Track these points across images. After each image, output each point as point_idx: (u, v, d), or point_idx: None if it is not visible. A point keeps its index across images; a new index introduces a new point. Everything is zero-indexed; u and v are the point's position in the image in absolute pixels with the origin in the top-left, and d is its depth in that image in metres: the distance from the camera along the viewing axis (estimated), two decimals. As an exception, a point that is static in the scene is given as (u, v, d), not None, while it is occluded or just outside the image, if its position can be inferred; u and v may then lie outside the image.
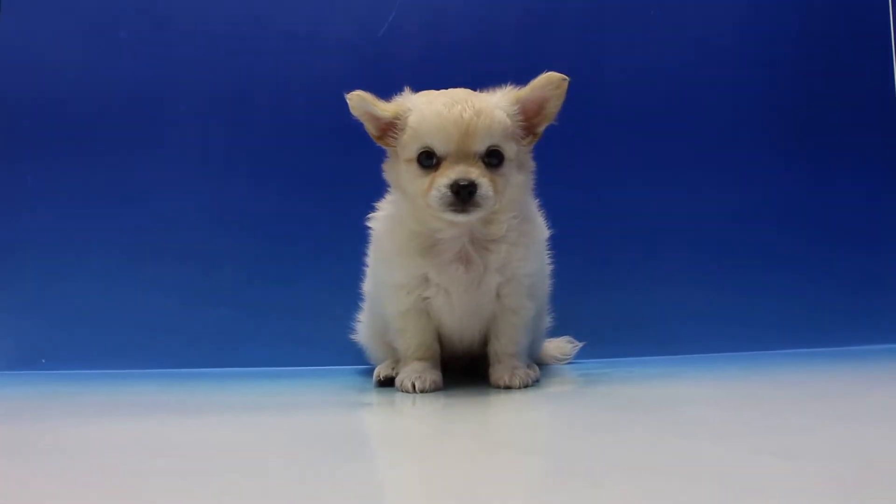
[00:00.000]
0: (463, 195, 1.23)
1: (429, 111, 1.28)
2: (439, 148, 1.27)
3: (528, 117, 1.35)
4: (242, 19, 2.05)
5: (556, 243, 1.54)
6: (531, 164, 1.40)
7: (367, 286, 1.63)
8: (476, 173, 1.25)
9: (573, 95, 2.00)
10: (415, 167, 1.30)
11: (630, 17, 2.06)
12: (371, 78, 1.97)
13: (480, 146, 1.27)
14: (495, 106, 1.29)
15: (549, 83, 1.33)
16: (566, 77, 1.33)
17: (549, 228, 1.50)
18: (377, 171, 1.42)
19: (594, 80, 2.04)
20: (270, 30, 2.05)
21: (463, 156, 1.26)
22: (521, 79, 1.99)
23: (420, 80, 1.95)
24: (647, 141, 2.04)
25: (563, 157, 1.92)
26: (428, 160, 1.29)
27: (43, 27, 2.04)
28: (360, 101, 1.34)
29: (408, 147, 1.31)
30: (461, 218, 1.27)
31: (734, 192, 2.04)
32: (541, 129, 1.37)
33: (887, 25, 2.08)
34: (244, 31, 2.04)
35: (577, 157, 2.00)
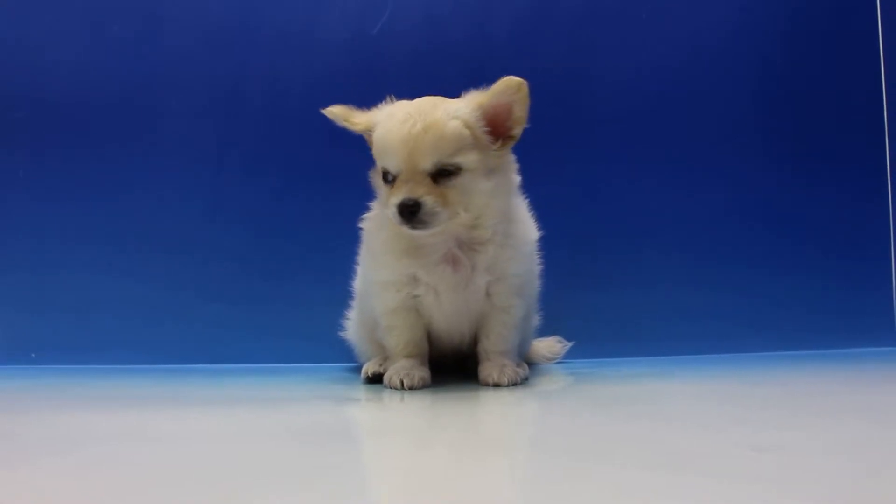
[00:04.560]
0: (406, 215, 1.26)
1: (384, 128, 1.30)
2: (391, 167, 1.31)
3: (495, 123, 1.32)
4: (236, 15, 2.05)
5: (546, 243, 1.55)
6: (509, 167, 1.40)
7: (358, 284, 1.64)
8: (422, 191, 1.26)
9: (565, 95, 2.05)
10: (381, 181, 1.35)
11: (621, 18, 2.07)
12: (365, 76, 2.00)
13: (426, 163, 1.27)
14: (451, 116, 1.28)
15: (507, 88, 1.30)
16: (524, 81, 1.30)
17: (539, 230, 1.51)
18: (368, 169, 1.43)
19: (585, 80, 2.05)
20: (264, 25, 2.05)
21: (412, 173, 1.28)
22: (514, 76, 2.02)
23: (414, 78, 1.98)
24: (637, 142, 2.05)
25: (552, 158, 1.93)
26: (387, 176, 1.32)
27: (36, 21, 2.04)
28: (334, 118, 1.39)
29: (377, 161, 1.35)
30: (417, 233, 1.30)
31: (722, 194, 2.05)
32: (515, 132, 1.34)
33: (875, 30, 2.10)
34: (238, 26, 2.05)
35: (566, 158, 2.01)
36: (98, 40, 2.04)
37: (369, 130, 1.36)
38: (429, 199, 1.26)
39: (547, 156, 1.89)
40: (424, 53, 2.02)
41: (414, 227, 1.28)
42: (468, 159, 1.29)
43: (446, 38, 2.04)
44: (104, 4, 2.05)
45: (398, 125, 1.27)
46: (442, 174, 1.28)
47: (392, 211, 1.27)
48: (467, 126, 1.29)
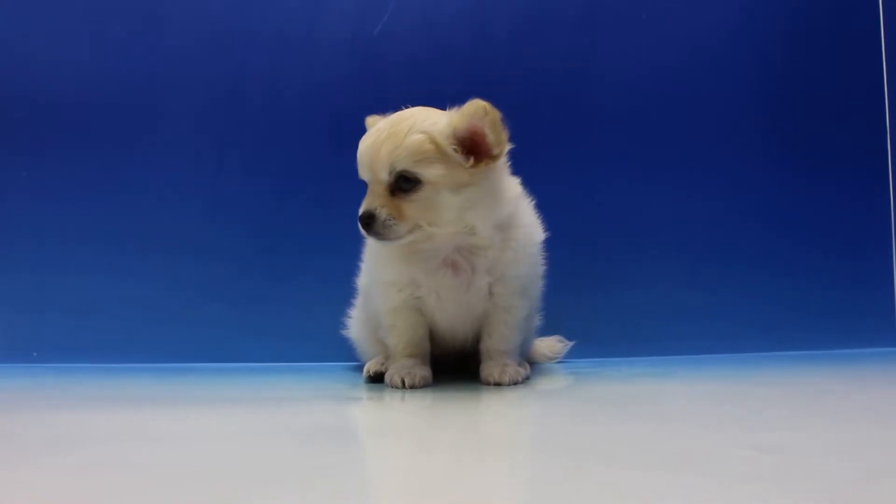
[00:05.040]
0: (363, 226, 1.29)
1: (363, 139, 1.34)
2: (362, 177, 1.33)
3: (472, 143, 1.29)
4: (236, 16, 2.05)
5: (547, 243, 1.54)
6: (495, 182, 1.35)
7: (362, 281, 1.63)
8: (378, 203, 1.28)
9: (565, 97, 2.05)
10: None
11: (622, 20, 2.07)
12: (365, 77, 2.00)
13: (384, 174, 1.28)
14: (417, 130, 1.27)
15: (475, 112, 1.27)
16: (489, 105, 1.27)
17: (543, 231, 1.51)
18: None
19: (585, 81, 2.05)
20: (264, 26, 2.05)
21: (374, 184, 1.30)
22: (513, 79, 2.02)
23: (414, 79, 1.99)
24: (637, 142, 2.05)
25: (552, 159, 1.94)
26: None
27: (37, 22, 2.04)
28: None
29: None
30: (383, 244, 1.33)
31: (723, 195, 2.06)
32: (495, 153, 1.30)
33: (877, 29, 2.10)
34: (238, 27, 2.05)
35: (568, 160, 2.02)
36: (99, 41, 2.04)
37: None
38: (383, 212, 1.28)
39: (547, 156, 1.90)
40: (424, 55, 2.02)
41: (376, 239, 1.30)
42: (429, 173, 1.27)
43: (446, 39, 2.04)
44: (105, 5, 2.06)
45: (369, 136, 1.32)
46: (401, 187, 1.29)
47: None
48: (432, 141, 1.27)
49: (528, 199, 1.48)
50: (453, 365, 1.56)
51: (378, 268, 1.45)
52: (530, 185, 1.47)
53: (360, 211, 1.29)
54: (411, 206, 1.29)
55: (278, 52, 2.05)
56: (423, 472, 0.76)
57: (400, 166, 1.27)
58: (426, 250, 1.36)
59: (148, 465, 0.79)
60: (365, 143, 1.31)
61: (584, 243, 2.01)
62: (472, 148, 1.30)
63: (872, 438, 0.89)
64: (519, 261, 1.41)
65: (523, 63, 2.04)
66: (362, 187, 1.45)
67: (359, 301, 1.69)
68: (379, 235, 1.29)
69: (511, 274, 1.40)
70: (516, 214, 1.42)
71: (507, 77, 2.02)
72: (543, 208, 1.54)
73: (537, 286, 1.56)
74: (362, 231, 1.31)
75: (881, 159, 2.10)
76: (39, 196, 2.01)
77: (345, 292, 1.73)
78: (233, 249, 2.01)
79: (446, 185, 1.29)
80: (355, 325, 1.71)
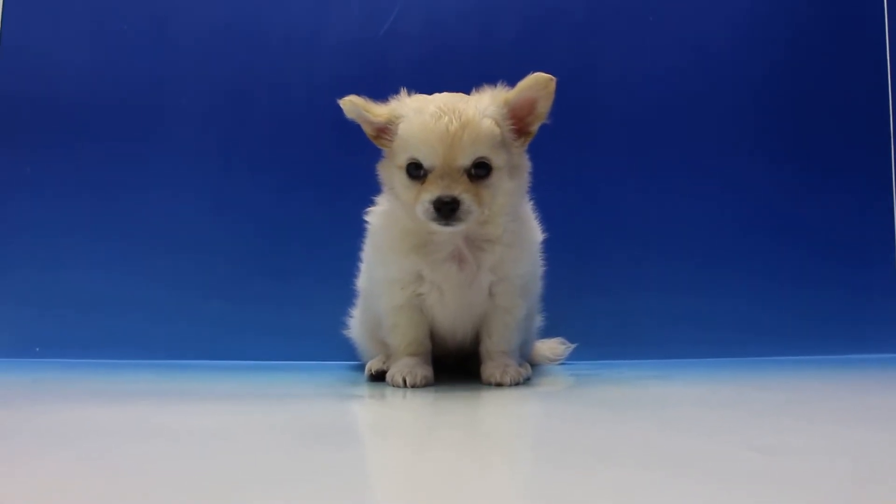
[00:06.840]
0: (444, 212, 1.25)
1: (417, 122, 1.28)
2: (425, 161, 1.28)
3: (518, 119, 1.34)
4: (243, 15, 2.06)
5: (550, 246, 1.55)
6: (526, 165, 1.39)
7: (362, 282, 1.63)
8: (460, 189, 1.26)
9: (569, 99, 2.02)
10: (405, 176, 1.32)
11: (627, 23, 2.08)
12: (371, 77, 2.01)
13: (465, 160, 1.27)
14: (483, 114, 1.28)
15: (536, 84, 1.32)
16: (553, 77, 1.32)
17: (543, 232, 1.51)
18: (373, 169, 1.43)
19: (590, 84, 2.06)
20: (271, 26, 2.06)
21: (448, 169, 1.27)
22: (518, 81, 2.02)
23: (420, 80, 1.96)
24: (641, 146, 2.05)
25: (556, 162, 1.94)
26: (416, 171, 1.30)
27: (44, 21, 2.05)
28: (352, 107, 1.36)
29: (398, 155, 1.32)
30: (447, 229, 1.29)
31: (726, 199, 2.06)
32: (534, 128, 1.36)
33: (882, 36, 2.10)
34: (244, 27, 2.06)
35: (571, 162, 2.02)
36: (106, 41, 2.05)
37: (391, 123, 1.34)
38: (466, 197, 1.25)
39: (551, 159, 1.88)
40: (429, 57, 2.03)
41: (447, 224, 1.27)
42: (499, 158, 1.29)
43: (451, 41, 2.05)
44: (111, 4, 2.06)
45: (433, 120, 1.26)
46: (476, 173, 1.28)
47: (425, 206, 1.26)
48: (498, 124, 1.30)
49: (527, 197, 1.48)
50: (453, 366, 1.57)
51: (381, 264, 1.45)
52: (533, 187, 1.47)
53: (438, 195, 1.24)
54: (486, 192, 1.29)
55: (284, 52, 2.06)
56: (424, 471, 0.76)
57: (480, 152, 1.27)
58: (436, 243, 1.36)
59: (148, 462, 0.79)
60: (435, 130, 1.25)
61: (586, 246, 2.01)
62: (515, 125, 1.34)
63: (875, 444, 0.88)
64: (522, 259, 1.42)
65: (528, 65, 2.03)
66: (366, 186, 1.45)
67: (359, 302, 1.69)
68: (458, 221, 1.26)
69: (514, 273, 1.41)
70: (523, 209, 1.45)
71: (513, 79, 2.02)
72: (547, 211, 1.54)
73: (537, 286, 1.57)
74: (431, 216, 1.26)
75: (885, 164, 2.11)
76: (43, 193, 2.02)
77: (347, 291, 1.73)
78: (236, 248, 2.01)
79: (506, 169, 1.32)
80: (356, 326, 1.72)
